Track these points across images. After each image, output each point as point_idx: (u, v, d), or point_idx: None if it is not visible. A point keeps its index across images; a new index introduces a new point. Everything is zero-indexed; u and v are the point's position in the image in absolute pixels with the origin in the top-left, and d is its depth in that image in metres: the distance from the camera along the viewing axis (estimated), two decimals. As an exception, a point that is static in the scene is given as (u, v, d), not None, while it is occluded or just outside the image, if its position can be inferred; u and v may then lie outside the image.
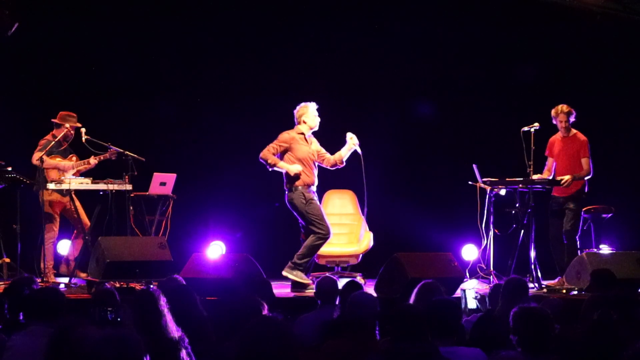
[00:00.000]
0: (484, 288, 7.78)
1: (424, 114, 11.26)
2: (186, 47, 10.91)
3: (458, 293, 7.38)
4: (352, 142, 8.53)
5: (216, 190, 10.72)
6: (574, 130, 8.88)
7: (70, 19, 10.35)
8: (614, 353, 4.18)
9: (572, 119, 8.81)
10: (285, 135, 8.48)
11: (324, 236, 8.30)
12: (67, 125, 8.80)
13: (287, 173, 8.37)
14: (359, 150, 8.55)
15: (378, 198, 10.70)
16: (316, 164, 8.54)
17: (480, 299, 7.02)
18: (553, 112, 8.83)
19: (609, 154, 10.34)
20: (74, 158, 8.92)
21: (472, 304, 7.22)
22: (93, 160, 8.85)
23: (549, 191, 8.91)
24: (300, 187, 8.36)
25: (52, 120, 8.87)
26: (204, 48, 10.92)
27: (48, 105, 10.03)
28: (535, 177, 8.77)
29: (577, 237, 8.79)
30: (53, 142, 8.73)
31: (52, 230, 8.82)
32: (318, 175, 8.59)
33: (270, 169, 8.51)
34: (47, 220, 8.76)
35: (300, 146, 8.44)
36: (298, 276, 8.14)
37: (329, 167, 8.63)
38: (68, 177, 8.62)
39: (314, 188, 8.49)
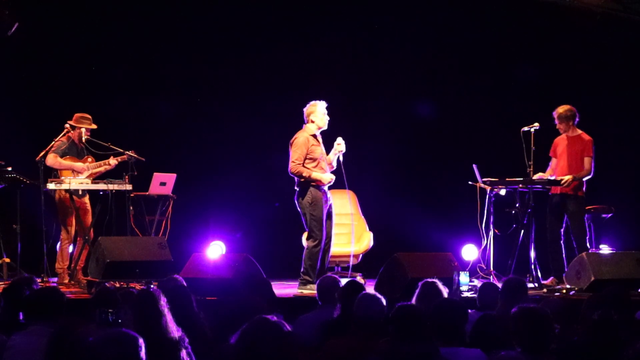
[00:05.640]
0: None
1: (424, 114, 11.26)
2: (186, 47, 10.91)
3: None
4: (338, 148, 8.48)
5: (216, 190, 10.73)
6: (578, 131, 8.89)
7: (71, 18, 10.35)
8: (614, 353, 4.18)
9: (566, 121, 8.81)
10: (301, 140, 8.33)
11: (318, 243, 8.28)
12: (83, 128, 8.77)
13: (302, 174, 8.36)
14: (340, 158, 8.48)
15: (378, 198, 10.72)
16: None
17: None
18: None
19: (609, 154, 10.34)
20: (90, 159, 8.89)
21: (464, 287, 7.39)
22: (113, 161, 8.84)
23: (549, 191, 8.91)
24: (313, 187, 8.34)
25: (68, 122, 8.81)
26: (204, 48, 10.92)
27: (48, 105, 10.05)
28: (535, 176, 8.77)
29: (587, 239, 8.80)
30: (67, 144, 8.71)
31: (66, 230, 8.75)
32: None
33: (302, 180, 8.40)
34: (63, 219, 8.74)
35: (315, 147, 8.38)
36: (313, 289, 8.17)
37: None
38: (69, 176, 8.60)
39: (325, 187, 8.45)
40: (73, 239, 8.80)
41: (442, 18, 11.09)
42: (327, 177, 8.36)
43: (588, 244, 8.85)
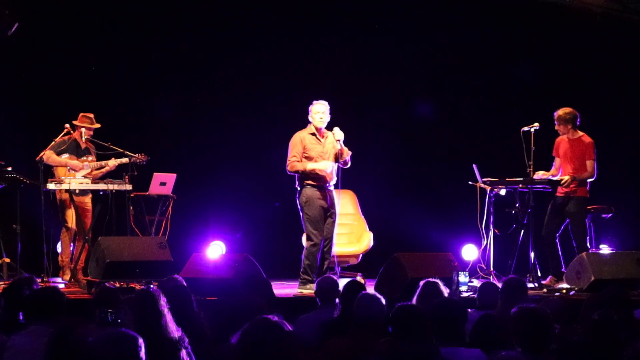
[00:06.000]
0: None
1: (424, 114, 11.26)
2: (186, 47, 10.91)
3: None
4: (334, 137, 8.46)
5: (216, 190, 10.73)
6: (579, 133, 8.87)
7: (71, 18, 10.35)
8: (614, 353, 4.18)
9: (565, 124, 8.79)
10: (296, 139, 8.41)
11: (315, 243, 8.30)
12: (83, 128, 8.78)
13: (301, 171, 8.37)
14: (337, 146, 8.44)
15: (378, 198, 10.72)
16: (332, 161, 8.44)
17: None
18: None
19: (609, 154, 10.33)
20: (90, 158, 8.91)
21: (463, 287, 7.41)
22: (112, 162, 8.85)
23: (555, 192, 8.90)
24: (308, 186, 8.36)
25: (73, 122, 8.82)
26: (204, 48, 10.92)
27: (48, 105, 10.05)
28: (540, 173, 8.76)
29: (587, 239, 8.80)
30: (67, 143, 8.73)
31: (66, 228, 8.77)
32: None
33: (300, 177, 8.40)
34: (63, 218, 8.75)
35: (313, 145, 8.39)
36: (312, 288, 8.18)
37: (341, 166, 8.56)
38: (69, 177, 8.61)
39: (330, 187, 8.39)
40: (73, 237, 8.81)
41: (442, 18, 11.09)
42: (322, 165, 8.31)
43: (588, 245, 8.85)
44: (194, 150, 10.87)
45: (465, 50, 11.21)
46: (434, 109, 11.26)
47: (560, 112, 8.83)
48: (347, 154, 8.44)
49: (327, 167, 8.38)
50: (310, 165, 8.34)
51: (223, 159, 10.88)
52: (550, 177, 8.81)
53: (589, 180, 8.76)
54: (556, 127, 8.86)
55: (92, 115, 8.87)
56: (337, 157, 8.43)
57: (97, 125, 8.88)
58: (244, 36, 11.01)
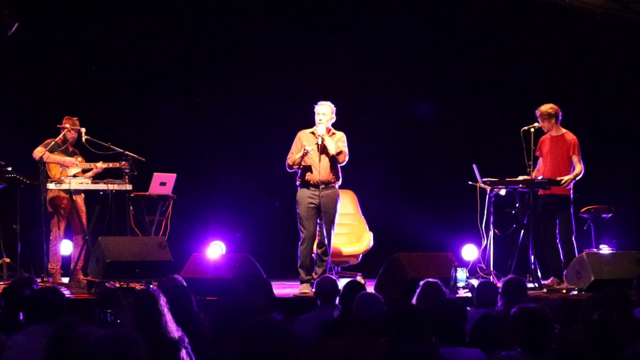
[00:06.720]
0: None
1: (424, 114, 11.26)
2: (186, 47, 10.91)
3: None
4: (317, 133, 8.38)
5: (216, 190, 10.73)
6: (562, 130, 8.87)
7: (71, 18, 10.35)
8: (614, 353, 4.18)
9: (549, 119, 8.78)
10: (296, 136, 8.48)
11: (302, 240, 8.32)
12: (67, 126, 8.80)
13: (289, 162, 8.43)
14: (319, 142, 8.36)
15: (378, 198, 10.72)
16: (324, 161, 8.35)
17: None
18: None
19: (609, 153, 10.34)
20: (79, 159, 8.92)
21: (461, 284, 7.42)
22: (100, 165, 8.85)
23: (538, 192, 8.90)
24: (300, 186, 8.41)
25: (58, 125, 8.85)
26: (204, 48, 10.92)
27: (48, 105, 10.05)
28: (520, 178, 8.76)
29: (572, 237, 8.79)
30: (58, 143, 8.75)
31: (57, 229, 8.79)
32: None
33: (297, 167, 8.40)
34: (52, 219, 8.77)
35: (308, 142, 8.41)
36: (304, 288, 8.21)
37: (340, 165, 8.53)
38: (68, 176, 8.61)
39: (327, 187, 8.31)
40: (62, 237, 8.82)
41: (442, 18, 11.09)
42: (303, 151, 8.27)
43: (574, 241, 8.80)
44: (194, 150, 10.87)
45: (465, 50, 11.20)
46: (434, 109, 11.25)
47: (543, 108, 8.83)
48: (335, 150, 8.32)
49: (307, 152, 8.29)
50: (297, 155, 8.34)
51: (223, 159, 10.88)
52: (548, 179, 8.78)
53: (580, 176, 8.74)
54: (540, 125, 8.83)
55: (74, 119, 8.89)
56: (329, 155, 8.39)
57: (81, 129, 8.88)
58: (244, 36, 11.00)
